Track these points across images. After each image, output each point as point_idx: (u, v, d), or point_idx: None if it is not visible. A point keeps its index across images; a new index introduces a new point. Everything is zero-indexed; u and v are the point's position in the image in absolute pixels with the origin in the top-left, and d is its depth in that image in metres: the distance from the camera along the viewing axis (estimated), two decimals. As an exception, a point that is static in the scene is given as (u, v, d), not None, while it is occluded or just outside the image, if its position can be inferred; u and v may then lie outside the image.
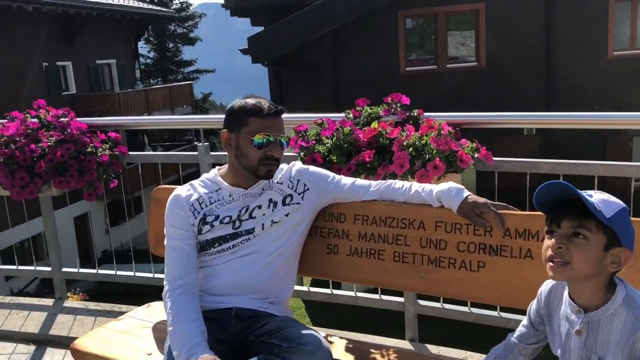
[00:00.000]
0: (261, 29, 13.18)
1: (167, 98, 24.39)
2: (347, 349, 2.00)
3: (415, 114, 2.64)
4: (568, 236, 1.26)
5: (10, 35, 18.14)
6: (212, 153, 3.12)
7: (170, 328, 1.69)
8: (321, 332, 1.82)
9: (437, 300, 2.71)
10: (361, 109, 2.69)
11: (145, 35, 33.01)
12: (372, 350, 1.99)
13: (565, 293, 1.36)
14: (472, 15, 12.02)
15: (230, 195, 1.89)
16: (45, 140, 3.08)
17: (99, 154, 3.19)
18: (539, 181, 1.39)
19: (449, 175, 2.33)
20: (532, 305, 1.49)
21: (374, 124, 2.49)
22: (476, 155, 2.42)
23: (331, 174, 2.01)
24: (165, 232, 1.90)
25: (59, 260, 3.59)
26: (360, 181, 2.00)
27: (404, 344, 2.78)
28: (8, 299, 3.75)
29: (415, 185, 1.90)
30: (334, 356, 1.73)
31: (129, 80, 25.02)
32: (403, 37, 11.99)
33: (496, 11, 11.63)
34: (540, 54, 11.70)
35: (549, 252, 1.28)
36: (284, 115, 1.92)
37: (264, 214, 1.87)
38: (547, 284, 1.45)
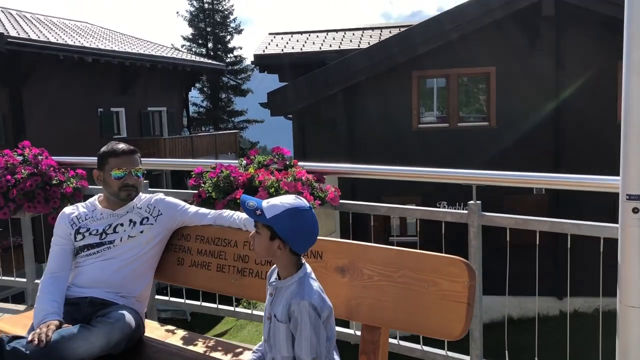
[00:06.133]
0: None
1: (212, 145, 25.77)
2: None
3: (291, 163, 3.27)
4: (255, 232, 1.87)
5: (70, 83, 19.99)
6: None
7: (35, 304, 2.34)
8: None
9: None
10: (253, 157, 3.35)
11: (200, 85, 35.10)
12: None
13: (274, 266, 1.95)
14: (483, 78, 12.59)
15: (101, 214, 2.56)
16: (20, 173, 3.87)
17: (63, 186, 3.95)
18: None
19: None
20: None
21: (251, 169, 3.14)
22: (325, 197, 3.03)
23: (181, 204, 2.65)
24: (52, 237, 2.57)
25: (33, 272, 4.34)
26: (202, 210, 2.63)
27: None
28: (-9, 303, 4.52)
29: (236, 214, 2.52)
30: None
31: (178, 127, 26.66)
32: (416, 96, 12.65)
33: (506, 75, 12.15)
34: (549, 117, 12.06)
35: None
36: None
37: (124, 230, 2.51)
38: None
